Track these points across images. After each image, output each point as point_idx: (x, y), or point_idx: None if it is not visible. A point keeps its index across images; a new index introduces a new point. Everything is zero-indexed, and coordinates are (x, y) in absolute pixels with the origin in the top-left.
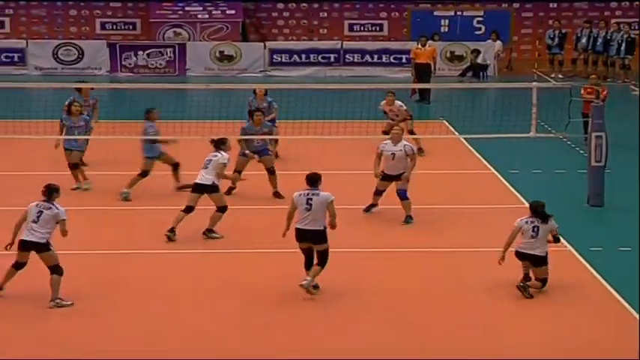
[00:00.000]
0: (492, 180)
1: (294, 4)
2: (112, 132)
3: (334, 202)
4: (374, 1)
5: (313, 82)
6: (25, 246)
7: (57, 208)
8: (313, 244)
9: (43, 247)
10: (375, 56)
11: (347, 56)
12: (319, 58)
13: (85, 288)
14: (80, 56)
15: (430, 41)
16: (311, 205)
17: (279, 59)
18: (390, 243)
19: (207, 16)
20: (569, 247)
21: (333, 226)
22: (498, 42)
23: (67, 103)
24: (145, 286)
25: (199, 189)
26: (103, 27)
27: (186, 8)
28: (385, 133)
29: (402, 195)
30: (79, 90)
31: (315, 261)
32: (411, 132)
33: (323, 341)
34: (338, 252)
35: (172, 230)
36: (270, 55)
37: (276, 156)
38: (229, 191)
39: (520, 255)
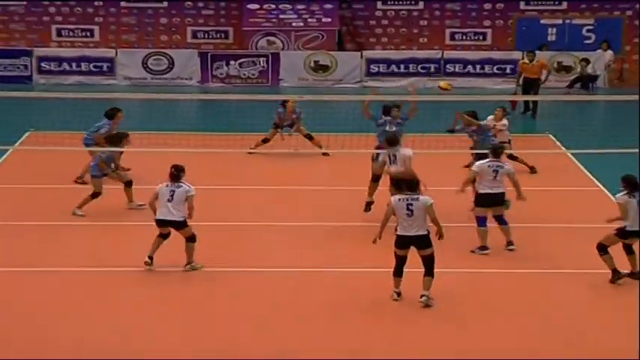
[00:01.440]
0: (600, 198)
1: (392, 12)
2: (207, 145)
3: (434, 205)
4: (477, 10)
5: (410, 94)
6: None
7: (187, 186)
8: (418, 249)
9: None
10: (478, 66)
11: (448, 66)
12: (418, 68)
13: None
14: (170, 66)
15: (537, 51)
16: (412, 210)
17: (377, 69)
18: (492, 264)
19: (302, 24)
20: None
21: (439, 233)
22: (609, 52)
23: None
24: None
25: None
26: (194, 35)
27: (281, 16)
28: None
29: (503, 221)
30: (283, 104)
31: (423, 270)
32: (511, 156)
33: None
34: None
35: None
36: (367, 64)
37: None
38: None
39: (628, 234)
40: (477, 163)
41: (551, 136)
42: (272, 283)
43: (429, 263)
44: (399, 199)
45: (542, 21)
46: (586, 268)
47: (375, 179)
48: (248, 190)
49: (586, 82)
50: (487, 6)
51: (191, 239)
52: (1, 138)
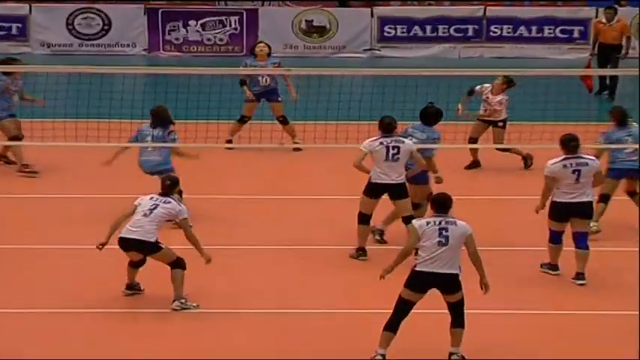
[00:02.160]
0: None
1: None
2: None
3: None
4: None
5: (441, 67)
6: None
7: (179, 204)
8: (444, 292)
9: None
10: (534, 28)
11: (492, 28)
12: (451, 30)
13: None
14: (106, 27)
15: (619, 8)
16: (447, 237)
17: (393, 33)
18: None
19: None
20: None
21: (484, 283)
22: None
23: None
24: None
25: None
26: None
27: None
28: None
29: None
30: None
31: (450, 318)
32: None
33: None
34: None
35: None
36: (380, 26)
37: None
38: None
39: None
40: (549, 163)
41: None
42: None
43: (459, 310)
44: (427, 223)
45: None
46: None
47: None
48: (224, 201)
49: None
50: None
51: (177, 264)
52: None
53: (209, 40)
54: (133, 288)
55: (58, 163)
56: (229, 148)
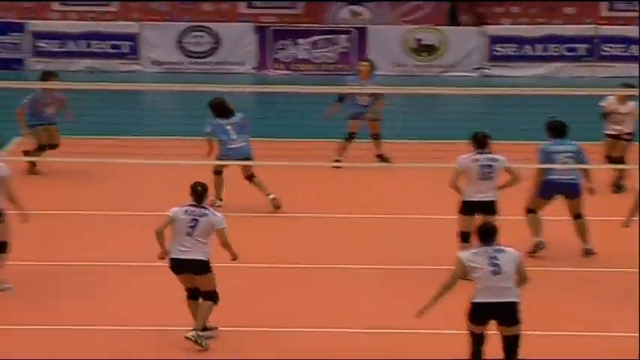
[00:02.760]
0: None
1: None
2: (268, 155)
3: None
4: None
5: (553, 86)
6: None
7: (214, 214)
8: (504, 324)
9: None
10: None
11: (604, 47)
12: (563, 50)
13: None
14: (215, 46)
15: None
16: (499, 266)
17: (503, 51)
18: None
19: None
20: None
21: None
22: None
23: None
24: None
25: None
26: (249, 3)
27: None
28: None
29: None
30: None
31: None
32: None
33: None
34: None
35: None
36: (490, 45)
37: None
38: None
39: None
40: None
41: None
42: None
43: (514, 347)
44: (475, 253)
45: None
46: None
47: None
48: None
49: None
50: None
51: (210, 296)
52: None
53: (318, 58)
54: (208, 329)
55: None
56: (337, 167)
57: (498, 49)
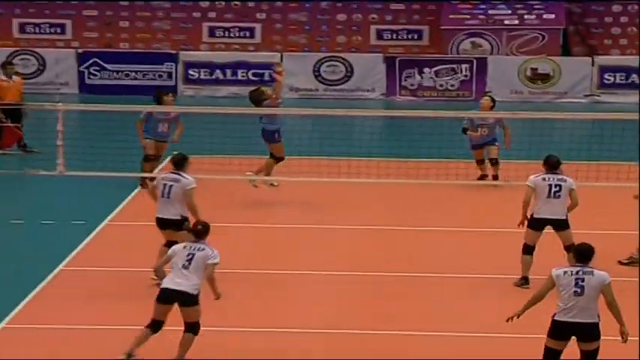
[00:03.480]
0: None
1: (635, 7)
2: (392, 174)
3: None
4: None
5: None
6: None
7: (209, 249)
8: (582, 340)
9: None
10: None
11: None
12: None
13: None
14: (348, 74)
15: None
16: (582, 287)
17: (612, 79)
18: None
19: (516, 21)
20: None
21: (623, 334)
22: None
23: None
24: None
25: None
26: (379, 36)
27: (490, 12)
28: None
29: None
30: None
31: None
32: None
33: None
34: None
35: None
36: (601, 73)
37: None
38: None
39: None
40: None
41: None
42: None
43: (592, 359)
44: (564, 272)
45: None
46: None
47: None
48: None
49: None
50: None
51: (194, 328)
52: (130, 164)
53: (441, 86)
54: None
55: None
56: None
57: (607, 77)
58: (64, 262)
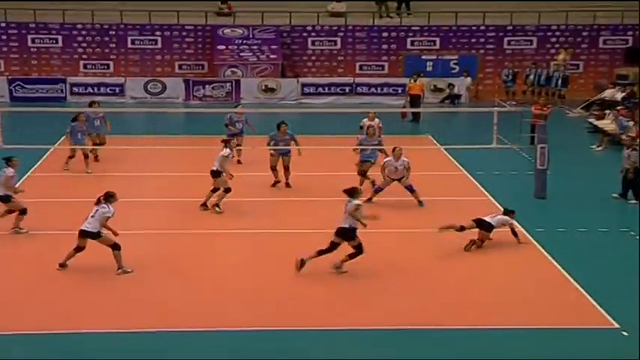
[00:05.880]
0: (464, 179)
1: (319, 51)
2: (192, 142)
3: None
4: (378, 49)
5: (333, 107)
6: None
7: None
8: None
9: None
10: (379, 88)
11: (358, 88)
12: (337, 89)
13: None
14: (163, 89)
15: (420, 78)
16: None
17: (309, 90)
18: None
19: (255, 59)
20: (522, 228)
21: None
22: (469, 78)
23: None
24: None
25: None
26: (180, 67)
27: (241, 54)
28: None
29: (411, 189)
30: (278, 126)
31: None
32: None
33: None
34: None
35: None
36: (302, 87)
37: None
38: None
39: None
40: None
41: (430, 136)
42: None
43: None
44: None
45: (422, 57)
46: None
47: None
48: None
49: (453, 99)
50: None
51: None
52: (45, 139)
53: (216, 95)
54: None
55: None
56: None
57: (306, 89)
58: None
